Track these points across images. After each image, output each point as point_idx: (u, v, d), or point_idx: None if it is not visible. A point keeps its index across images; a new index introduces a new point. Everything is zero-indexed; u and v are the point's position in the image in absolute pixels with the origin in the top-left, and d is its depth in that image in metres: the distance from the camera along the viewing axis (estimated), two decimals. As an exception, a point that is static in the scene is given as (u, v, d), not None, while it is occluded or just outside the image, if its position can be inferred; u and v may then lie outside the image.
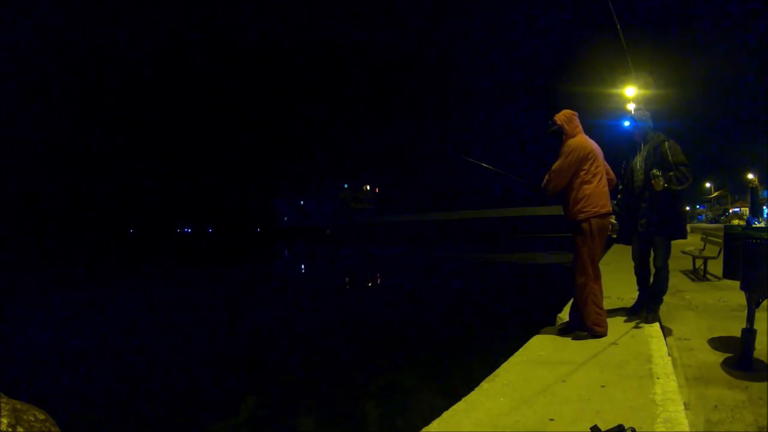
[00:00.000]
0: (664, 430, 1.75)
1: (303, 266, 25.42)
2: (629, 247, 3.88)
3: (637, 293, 3.93)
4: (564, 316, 3.89)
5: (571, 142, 3.24)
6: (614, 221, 3.66)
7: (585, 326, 3.20)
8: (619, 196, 3.79)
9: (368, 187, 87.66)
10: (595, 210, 3.18)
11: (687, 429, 1.77)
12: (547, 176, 3.26)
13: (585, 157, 3.20)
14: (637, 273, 3.84)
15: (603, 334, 3.16)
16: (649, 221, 3.53)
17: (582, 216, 3.18)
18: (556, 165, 3.22)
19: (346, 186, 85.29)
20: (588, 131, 3.39)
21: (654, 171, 3.36)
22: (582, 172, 3.21)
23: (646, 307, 3.64)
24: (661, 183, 3.32)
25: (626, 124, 3.82)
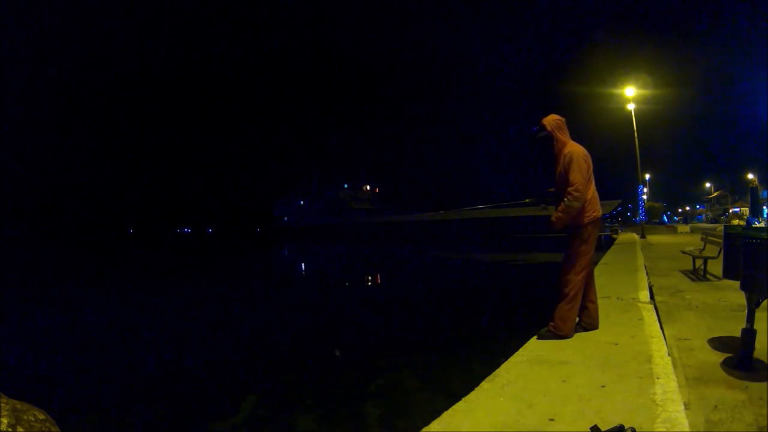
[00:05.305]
0: (664, 430, 1.75)
1: (302, 265, 25.42)
2: (628, 248, 3.87)
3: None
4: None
5: (574, 150, 3.20)
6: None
7: (552, 319, 3.17)
8: None
9: (368, 187, 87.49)
10: (596, 214, 3.24)
11: (687, 429, 1.77)
12: (573, 192, 3.11)
13: (590, 162, 3.23)
14: None
15: (565, 336, 3.12)
16: None
17: (586, 220, 3.21)
18: (575, 177, 3.11)
19: (346, 186, 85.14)
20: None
21: None
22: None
23: None
24: None
25: None
